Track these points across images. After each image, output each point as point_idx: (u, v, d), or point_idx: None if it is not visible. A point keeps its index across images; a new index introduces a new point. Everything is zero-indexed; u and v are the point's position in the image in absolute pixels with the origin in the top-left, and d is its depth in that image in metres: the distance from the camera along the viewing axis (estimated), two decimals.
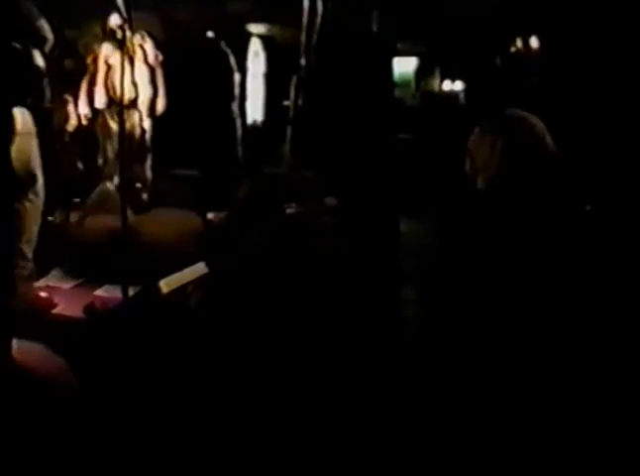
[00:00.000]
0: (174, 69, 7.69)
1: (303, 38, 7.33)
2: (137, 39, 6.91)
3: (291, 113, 7.26)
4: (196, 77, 8.57)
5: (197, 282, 4.94)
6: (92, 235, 5.85)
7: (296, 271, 5.23)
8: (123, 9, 4.83)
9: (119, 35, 6.44)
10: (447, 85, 15.67)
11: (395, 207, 7.09)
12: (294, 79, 7.15)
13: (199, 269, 5.01)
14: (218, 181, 8.38)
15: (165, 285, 4.68)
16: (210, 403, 3.86)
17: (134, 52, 6.86)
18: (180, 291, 4.78)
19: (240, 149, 8.50)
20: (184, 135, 8.33)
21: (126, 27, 5.89)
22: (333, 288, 5.25)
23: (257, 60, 10.04)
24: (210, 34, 8.63)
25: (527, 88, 11.67)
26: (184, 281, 4.85)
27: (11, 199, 3.68)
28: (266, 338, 4.52)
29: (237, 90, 8.57)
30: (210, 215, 7.17)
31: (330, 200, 6.50)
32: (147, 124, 7.13)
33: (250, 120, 9.79)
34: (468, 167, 5.79)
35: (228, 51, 8.61)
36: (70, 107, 6.93)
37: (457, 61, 14.42)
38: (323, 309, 4.94)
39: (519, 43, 12.68)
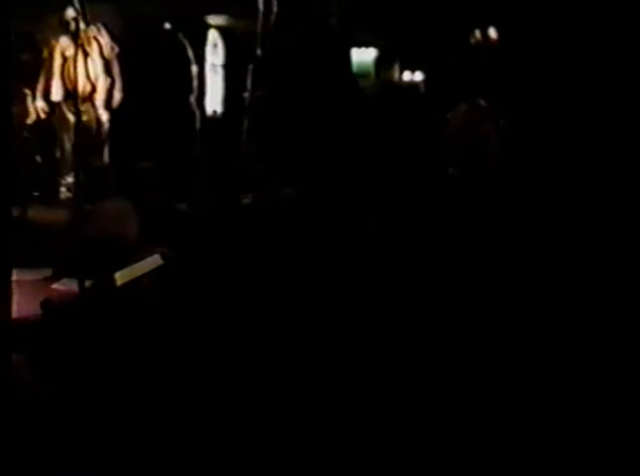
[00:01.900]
0: (132, 62, 7.72)
1: (260, 30, 7.39)
2: (92, 31, 6.93)
3: (247, 104, 7.32)
4: (154, 70, 8.59)
5: (152, 274, 4.99)
6: (43, 228, 5.86)
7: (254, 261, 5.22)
8: (77, 1, 4.85)
9: (73, 27, 6.44)
10: (407, 75, 15.82)
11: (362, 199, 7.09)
12: (251, 71, 7.21)
13: (155, 261, 5.06)
14: (176, 173, 8.41)
15: (121, 277, 4.73)
16: (168, 393, 3.84)
17: (89, 44, 6.88)
18: (135, 283, 4.83)
19: (198, 141, 8.51)
20: (142, 127, 8.35)
21: (80, 19, 5.95)
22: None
23: (215, 52, 10.08)
24: (167, 26, 8.65)
25: (486, 78, 11.86)
26: (139, 273, 4.90)
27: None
28: (224, 330, 4.57)
29: (195, 82, 8.59)
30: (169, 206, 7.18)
31: (288, 191, 6.51)
32: (104, 117, 7.16)
33: (209, 112, 9.83)
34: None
35: (186, 42, 8.63)
36: (28, 101, 6.95)
37: (417, 52, 14.54)
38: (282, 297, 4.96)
39: (478, 34, 12.87)
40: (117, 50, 7.11)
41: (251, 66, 7.24)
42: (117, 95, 7.07)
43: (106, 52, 7.03)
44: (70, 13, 6.61)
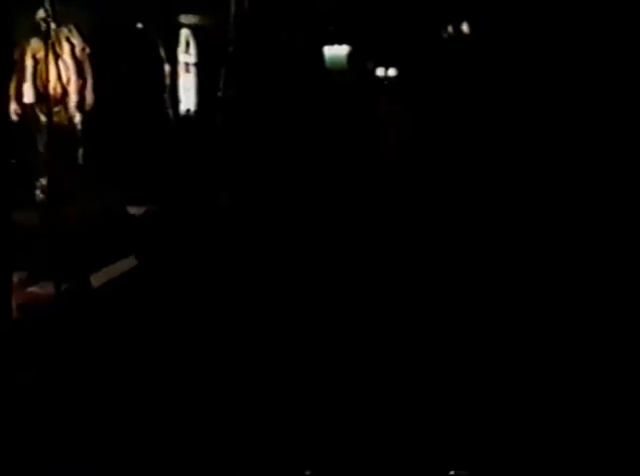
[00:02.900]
0: (104, 63, 7.74)
1: (232, 28, 7.46)
2: (63, 32, 6.95)
3: (221, 104, 7.38)
4: (126, 70, 8.61)
5: (127, 275, 5.04)
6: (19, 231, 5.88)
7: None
8: (48, 2, 4.89)
9: (43, 28, 6.47)
10: (380, 72, 15.88)
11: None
12: (223, 70, 7.26)
13: (129, 263, 5.11)
14: (151, 173, 8.45)
15: (95, 278, 4.78)
16: (141, 393, 3.93)
17: (60, 45, 6.90)
18: (111, 285, 4.89)
19: (171, 139, 8.56)
20: (115, 126, 8.37)
21: (50, 20, 6.01)
22: None
23: (187, 51, 10.11)
24: (139, 25, 8.70)
25: (457, 70, 11.97)
26: (114, 274, 4.95)
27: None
28: (196, 330, 4.64)
29: (168, 81, 8.64)
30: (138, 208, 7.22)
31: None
32: (77, 118, 7.17)
33: (182, 110, 9.86)
34: None
35: (159, 41, 8.68)
36: None
37: (389, 48, 14.65)
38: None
39: (450, 28, 12.97)
40: (88, 51, 7.14)
41: (223, 67, 7.28)
42: (89, 97, 7.11)
43: (78, 52, 7.05)
44: (41, 14, 6.65)
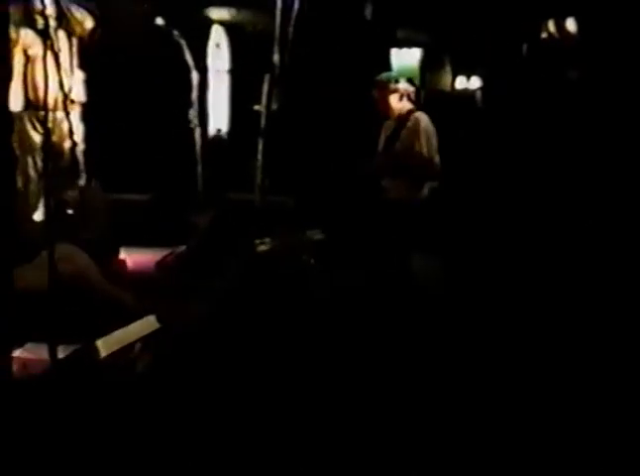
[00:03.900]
0: (115, 69, 7.74)
1: (277, 26, 7.38)
2: (78, 15, 7.05)
3: (263, 122, 7.29)
4: (144, 78, 8.63)
5: (145, 341, 4.94)
6: None
7: (270, 326, 5.30)
8: None
9: (40, 21, 6.45)
10: (460, 83, 15.78)
11: (402, 241, 7.16)
12: (267, 79, 7.19)
13: (148, 324, 5.01)
14: (172, 209, 8.40)
15: (104, 345, 4.67)
16: None
17: (73, 31, 6.97)
18: (124, 353, 4.78)
19: (199, 167, 8.51)
20: (130, 150, 8.37)
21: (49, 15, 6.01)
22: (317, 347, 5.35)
23: (219, 55, 10.14)
24: (160, 21, 8.69)
25: (563, 83, 11.81)
26: (129, 340, 4.85)
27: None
28: (233, 414, 4.55)
29: (195, 93, 8.61)
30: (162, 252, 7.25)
31: (313, 234, 6.55)
32: (79, 133, 7.12)
33: (211, 130, 9.87)
34: None
35: (182, 42, 8.66)
36: None
37: (473, 52, 14.55)
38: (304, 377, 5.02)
39: (552, 26, 12.83)
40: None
41: (266, 77, 7.22)
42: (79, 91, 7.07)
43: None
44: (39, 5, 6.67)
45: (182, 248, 7.23)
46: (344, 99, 8.02)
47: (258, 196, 7.05)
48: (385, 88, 7.34)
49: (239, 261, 6.08)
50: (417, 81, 15.33)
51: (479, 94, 15.11)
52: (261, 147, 7.25)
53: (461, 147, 12.35)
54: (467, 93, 15.19)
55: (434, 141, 7.18)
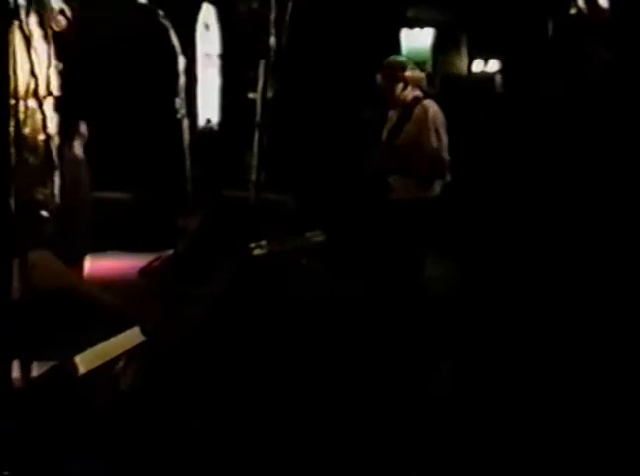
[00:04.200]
0: (95, 54, 7.74)
1: (274, 5, 7.40)
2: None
3: (258, 111, 7.31)
4: (125, 63, 8.64)
5: (129, 355, 4.96)
6: None
7: (265, 338, 5.33)
8: None
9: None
10: (478, 66, 15.80)
11: (412, 245, 7.18)
12: (262, 64, 7.21)
13: (131, 337, 5.03)
14: (158, 209, 8.43)
15: (84, 360, 4.68)
16: None
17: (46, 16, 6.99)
18: (105, 369, 4.80)
19: (188, 162, 8.54)
20: (111, 143, 8.36)
21: None
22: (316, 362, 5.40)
23: (209, 37, 10.15)
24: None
25: (595, 66, 11.81)
26: (110, 354, 4.86)
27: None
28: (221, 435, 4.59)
29: (182, 80, 8.63)
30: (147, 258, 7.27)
31: (314, 236, 6.57)
32: (53, 126, 7.12)
33: (201, 121, 9.87)
34: None
35: (168, 23, 8.68)
36: None
37: (491, 32, 14.59)
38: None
39: (581, 0, 12.83)
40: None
41: (262, 62, 7.23)
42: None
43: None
44: None
45: (169, 252, 7.24)
46: (347, 86, 8.02)
47: (252, 194, 7.07)
48: (390, 74, 7.33)
49: (232, 266, 6.09)
50: (429, 65, 15.38)
51: (498, 79, 15.17)
52: (256, 139, 7.26)
53: (478, 139, 12.38)
54: (485, 78, 15.25)
55: (443, 132, 7.14)
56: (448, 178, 7.22)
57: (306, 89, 9.31)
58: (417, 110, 7.15)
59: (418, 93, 7.28)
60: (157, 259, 7.23)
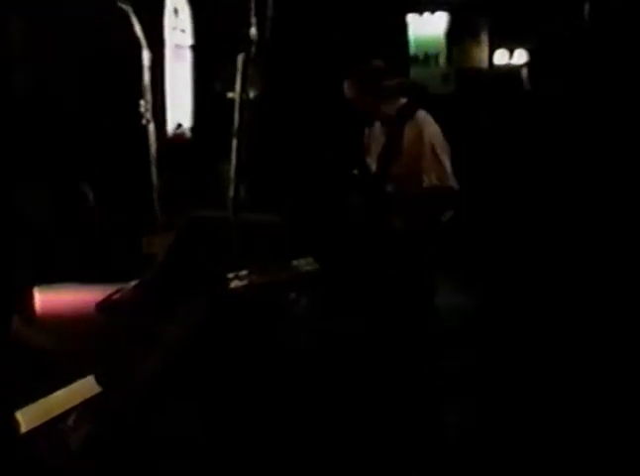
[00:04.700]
0: (44, 46, 7.79)
1: None
2: None
3: (238, 114, 7.34)
4: (79, 58, 8.66)
5: (81, 409, 4.96)
6: None
7: (243, 390, 5.34)
8: None
9: None
10: (501, 58, 15.78)
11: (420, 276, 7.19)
12: (241, 58, 7.24)
13: (84, 387, 5.02)
14: (118, 232, 8.44)
15: (27, 416, 4.68)
16: None
17: None
18: (52, 426, 4.79)
19: (154, 176, 8.56)
20: (59, 154, 8.38)
21: None
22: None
23: (178, 24, 10.18)
24: None
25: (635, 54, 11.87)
26: (59, 409, 4.86)
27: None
28: None
29: (146, 77, 8.66)
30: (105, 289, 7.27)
31: (305, 264, 6.58)
32: None
33: (170, 126, 9.90)
34: None
35: (129, 9, 8.71)
36: None
37: (517, 17, 14.63)
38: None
39: None
40: None
41: (241, 56, 7.26)
42: None
43: None
44: None
45: (132, 284, 7.25)
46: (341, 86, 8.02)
47: (231, 214, 7.08)
48: (362, 86, 7.01)
49: (205, 301, 6.10)
50: (442, 58, 15.43)
51: (525, 73, 15.17)
52: (235, 147, 7.29)
53: (502, 146, 12.43)
54: (509, 71, 15.25)
55: (445, 154, 6.83)
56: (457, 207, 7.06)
57: (295, 88, 9.32)
58: (409, 131, 6.88)
59: (402, 103, 7.02)
60: (116, 292, 7.20)
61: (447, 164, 6.77)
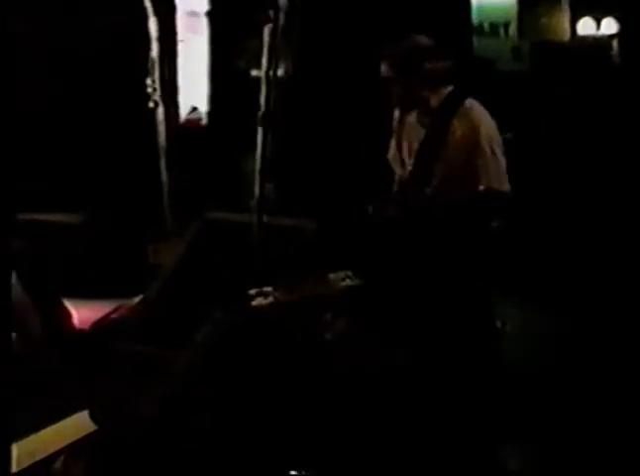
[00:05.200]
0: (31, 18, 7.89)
1: None
2: None
3: (264, 96, 7.40)
4: (75, 32, 8.74)
5: (73, 448, 5.02)
6: None
7: (270, 432, 5.36)
8: None
9: None
10: (586, 28, 15.71)
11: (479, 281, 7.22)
12: (267, 29, 7.30)
13: (78, 424, 5.09)
14: (119, 237, 8.50)
15: (16, 454, 4.75)
16: None
17: None
18: (41, 468, 4.86)
19: (164, 170, 8.62)
20: (53, 143, 8.47)
21: None
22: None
23: None
24: None
25: None
26: (49, 448, 4.93)
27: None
28: None
29: (155, 52, 8.74)
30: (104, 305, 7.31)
31: (342, 278, 6.59)
32: None
33: (184, 110, 9.96)
34: None
35: None
36: None
37: None
38: None
39: None
40: None
41: (267, 27, 7.30)
42: None
43: None
44: None
45: (135, 300, 7.27)
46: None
47: (255, 217, 7.11)
48: (403, 66, 6.88)
49: (222, 323, 6.12)
50: (513, 28, 15.43)
51: (615, 45, 15.12)
52: (261, 136, 7.34)
53: (585, 130, 12.43)
54: (595, 44, 15.21)
55: (501, 154, 6.80)
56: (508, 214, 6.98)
57: (332, 66, 9.32)
58: (459, 123, 6.80)
59: (448, 91, 6.94)
60: (116, 310, 7.24)
61: (504, 164, 6.75)
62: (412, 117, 7.06)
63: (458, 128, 6.73)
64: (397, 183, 7.17)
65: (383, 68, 6.89)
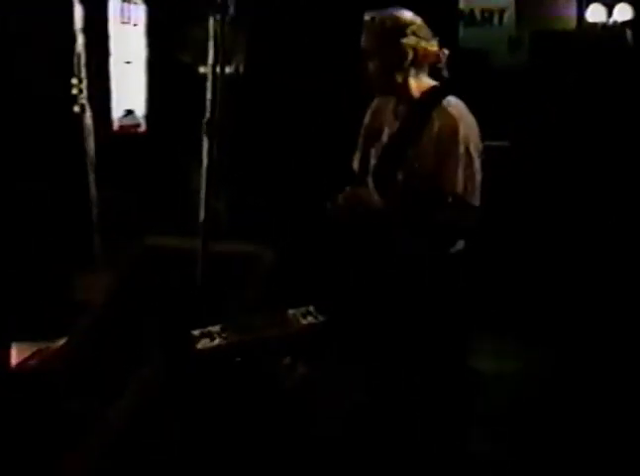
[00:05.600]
0: None
1: None
2: None
3: (211, 98, 7.35)
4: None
5: None
6: None
7: None
8: None
9: None
10: (596, 14, 15.71)
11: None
12: (214, 19, 7.25)
13: None
14: (39, 266, 8.46)
15: None
16: None
17: None
18: None
19: (92, 186, 8.59)
20: None
21: None
22: None
23: None
24: None
25: None
26: None
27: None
28: None
29: (79, 46, 8.72)
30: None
31: (303, 314, 6.55)
32: None
33: (116, 114, 9.93)
34: None
35: None
36: None
37: None
38: None
39: None
40: None
41: (213, 18, 7.25)
42: None
43: None
44: None
45: (57, 343, 7.25)
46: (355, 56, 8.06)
47: (200, 243, 7.06)
48: (382, 40, 6.84)
49: (160, 370, 6.09)
50: (510, 14, 15.48)
51: (629, 35, 15.16)
52: (206, 146, 7.28)
53: (592, 131, 12.50)
54: (606, 33, 15.26)
55: (476, 157, 6.49)
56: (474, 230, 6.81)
57: (289, 59, 9.30)
58: (437, 119, 6.51)
59: (431, 82, 6.87)
60: (35, 354, 7.22)
61: (479, 176, 6.48)
62: (389, 106, 6.88)
63: (436, 124, 6.45)
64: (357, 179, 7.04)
65: (363, 39, 6.57)
